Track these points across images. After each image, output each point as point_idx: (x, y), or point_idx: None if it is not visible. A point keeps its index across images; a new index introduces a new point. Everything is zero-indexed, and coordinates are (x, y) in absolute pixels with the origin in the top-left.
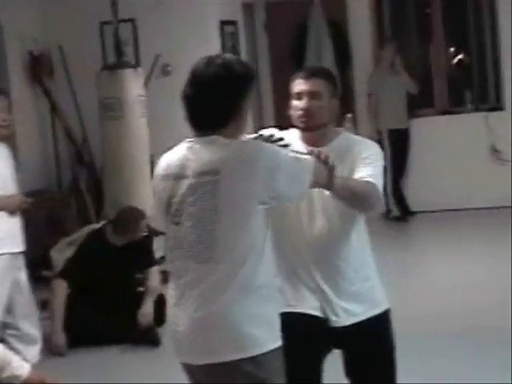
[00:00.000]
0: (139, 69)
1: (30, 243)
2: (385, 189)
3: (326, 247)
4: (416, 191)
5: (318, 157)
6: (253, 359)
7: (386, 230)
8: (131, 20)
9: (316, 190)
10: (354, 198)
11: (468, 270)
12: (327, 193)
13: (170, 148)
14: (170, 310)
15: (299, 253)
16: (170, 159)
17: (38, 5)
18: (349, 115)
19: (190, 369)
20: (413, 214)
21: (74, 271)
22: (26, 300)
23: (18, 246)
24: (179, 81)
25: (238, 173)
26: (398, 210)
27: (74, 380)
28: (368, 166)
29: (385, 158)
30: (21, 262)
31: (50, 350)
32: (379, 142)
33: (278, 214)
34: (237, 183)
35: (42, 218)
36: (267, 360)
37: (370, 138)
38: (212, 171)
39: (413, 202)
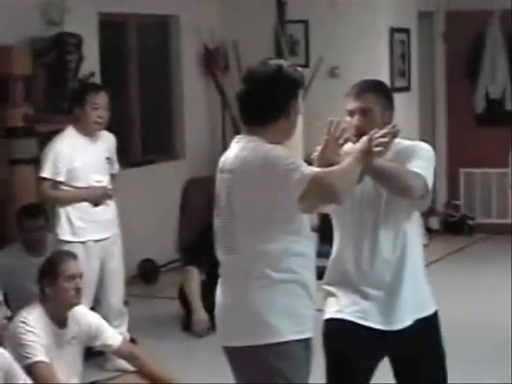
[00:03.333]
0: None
1: (190, 227)
2: None
3: (380, 252)
4: None
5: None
6: (270, 346)
7: None
8: (304, 21)
9: (370, 197)
10: (391, 179)
11: None
12: (383, 197)
13: None
14: None
15: (352, 256)
16: (224, 154)
17: None
18: None
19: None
20: None
21: (197, 257)
22: (115, 281)
23: (103, 232)
24: (346, 84)
25: (245, 175)
26: None
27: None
28: (417, 159)
29: None
30: (110, 247)
31: (190, 330)
32: None
33: (338, 223)
34: (243, 184)
35: (203, 204)
36: (286, 350)
37: None
38: (231, 170)
39: None
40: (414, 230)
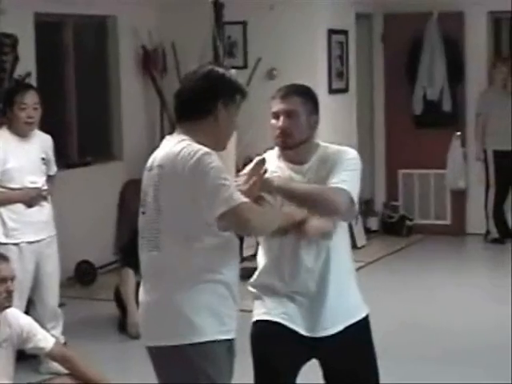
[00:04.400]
0: (232, 70)
1: (127, 229)
2: (485, 210)
3: (303, 262)
4: None
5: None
6: (194, 346)
7: (484, 252)
8: (242, 23)
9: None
10: (316, 204)
11: None
12: None
13: (265, 150)
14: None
15: (278, 265)
16: (154, 154)
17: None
18: (457, 133)
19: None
20: None
21: (132, 259)
22: (50, 283)
23: (37, 234)
24: (283, 85)
25: (172, 171)
26: (497, 232)
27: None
28: (342, 171)
29: (488, 179)
30: (45, 248)
31: (125, 332)
32: (484, 161)
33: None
34: (171, 180)
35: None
36: (210, 349)
37: (477, 157)
38: (160, 165)
39: None
40: (339, 238)
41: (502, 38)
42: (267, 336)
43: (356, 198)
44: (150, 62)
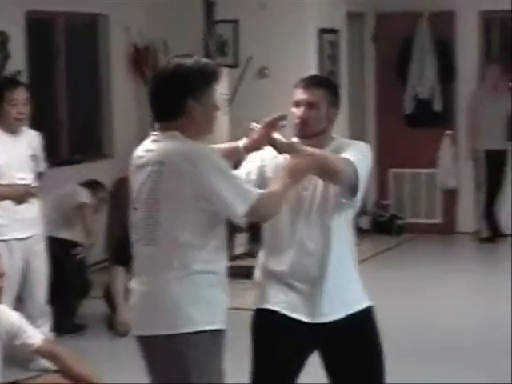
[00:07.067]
0: (224, 68)
1: (120, 227)
2: (476, 209)
3: (305, 246)
4: (509, 214)
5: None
6: (184, 336)
7: (474, 251)
8: (233, 21)
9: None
10: (322, 164)
11: None
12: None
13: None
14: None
15: (280, 251)
16: (137, 151)
17: None
18: (448, 132)
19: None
20: (503, 236)
21: (123, 257)
22: (39, 280)
23: (26, 231)
24: (275, 84)
25: (175, 167)
26: (487, 231)
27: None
28: (352, 151)
29: (480, 178)
30: (34, 245)
31: (114, 330)
32: (476, 160)
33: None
34: (173, 176)
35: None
36: (199, 340)
37: (467, 156)
38: (159, 161)
39: (505, 225)
40: (341, 224)
41: (493, 37)
42: (269, 325)
43: (362, 180)
44: (141, 60)
